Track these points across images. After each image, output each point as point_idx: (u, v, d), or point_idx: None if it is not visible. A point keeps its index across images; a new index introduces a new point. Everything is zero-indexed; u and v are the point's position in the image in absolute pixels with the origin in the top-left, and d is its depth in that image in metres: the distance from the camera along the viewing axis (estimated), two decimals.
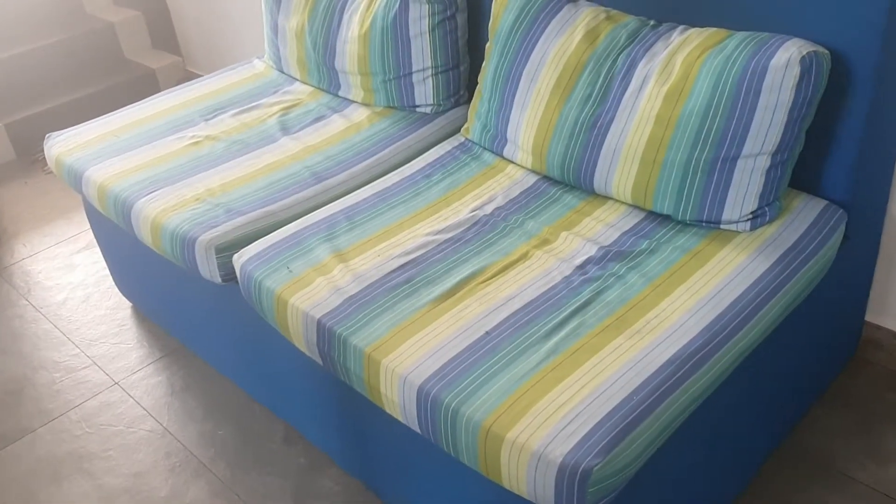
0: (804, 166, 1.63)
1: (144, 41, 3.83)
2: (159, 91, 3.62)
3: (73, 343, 2.27)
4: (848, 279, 1.74)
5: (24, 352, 2.25)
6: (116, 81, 3.59)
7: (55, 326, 2.34)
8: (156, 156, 2.02)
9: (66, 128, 2.69)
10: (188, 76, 3.76)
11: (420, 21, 2.04)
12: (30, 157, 3.28)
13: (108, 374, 2.16)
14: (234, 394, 2.06)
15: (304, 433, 1.88)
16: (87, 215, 2.29)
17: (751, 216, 1.55)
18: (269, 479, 1.83)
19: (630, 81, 1.63)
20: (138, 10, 3.77)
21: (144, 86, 3.65)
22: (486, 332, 1.38)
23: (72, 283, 2.52)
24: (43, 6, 3.61)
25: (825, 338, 1.77)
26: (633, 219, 1.64)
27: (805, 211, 1.59)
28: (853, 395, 1.90)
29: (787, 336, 1.55)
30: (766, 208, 1.56)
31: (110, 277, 2.52)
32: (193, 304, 2.02)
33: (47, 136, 2.17)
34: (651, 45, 1.65)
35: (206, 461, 1.88)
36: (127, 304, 2.42)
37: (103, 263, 2.59)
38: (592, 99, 1.67)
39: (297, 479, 1.82)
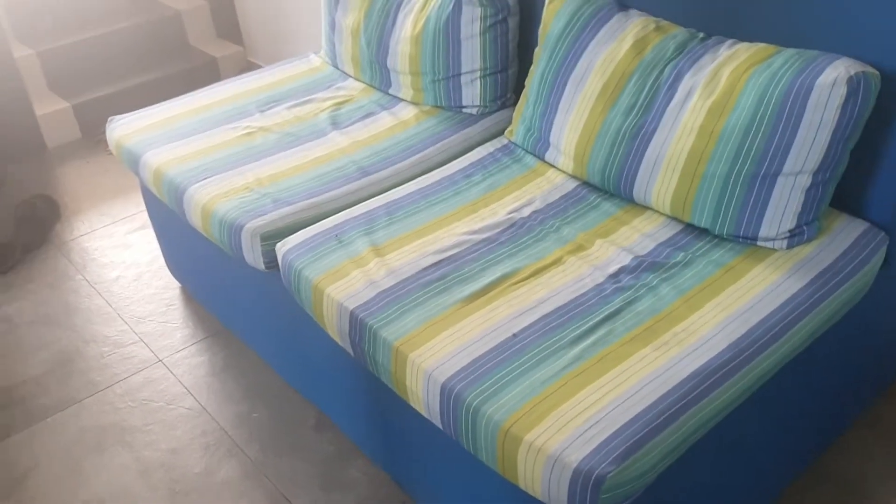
0: (847, 187, 1.61)
1: (209, 30, 3.93)
2: (220, 79, 3.72)
3: (123, 319, 2.36)
4: (887, 304, 1.71)
5: (77, 325, 2.35)
6: (180, 68, 3.69)
7: (107, 302, 2.43)
8: (211, 144, 2.08)
9: (129, 111, 2.78)
10: (249, 66, 3.85)
11: (472, 24, 2.07)
12: (94, 137, 3.40)
13: (153, 352, 2.23)
14: (272, 378, 2.12)
15: (336, 421, 1.93)
16: (144, 197, 2.37)
17: (788, 234, 1.54)
18: (298, 465, 1.88)
19: (675, 93, 1.64)
20: None
21: (206, 73, 3.75)
22: (514, 335, 1.41)
23: (125, 261, 2.62)
24: None
25: (860, 363, 1.75)
26: (671, 230, 1.64)
27: (845, 232, 1.57)
28: (888, 422, 1.87)
29: (818, 358, 1.54)
30: (805, 227, 1.55)
31: (162, 258, 2.61)
32: (238, 289, 2.08)
33: (110, 118, 2.25)
34: (698, 58, 1.65)
35: (240, 442, 1.94)
36: (176, 284, 2.50)
37: (156, 244, 2.68)
38: (637, 108, 1.68)
39: (324, 467, 1.87)
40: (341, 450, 1.91)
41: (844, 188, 1.61)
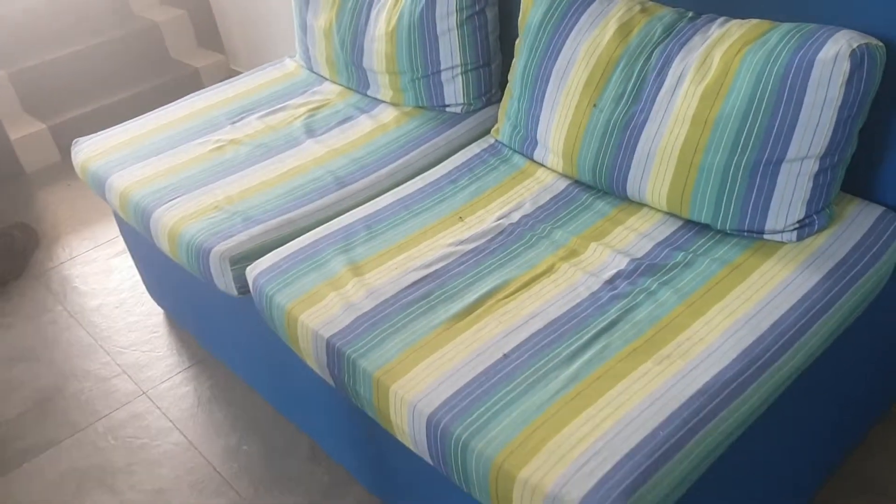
0: (858, 169, 1.48)
1: (190, 40, 3.82)
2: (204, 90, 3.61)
3: (105, 350, 2.26)
4: None
5: (56, 360, 2.24)
6: (162, 81, 3.58)
7: (88, 333, 2.33)
8: (178, 161, 1.97)
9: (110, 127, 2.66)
10: (231, 75, 3.74)
11: (447, 17, 1.95)
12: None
13: (136, 384, 2.13)
14: (261, 406, 2.01)
15: (328, 450, 1.82)
16: (117, 221, 2.26)
17: (797, 225, 1.42)
18: (291, 499, 1.77)
19: (665, 79, 1.51)
20: (183, 8, 3.76)
21: (189, 85, 3.64)
22: (505, 355, 1.29)
23: (107, 288, 2.51)
24: (89, 6, 3.63)
25: (882, 357, 1.62)
26: (669, 228, 1.52)
27: (859, 219, 1.45)
28: None
29: (837, 359, 1.41)
30: (815, 216, 1.42)
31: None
32: (218, 314, 1.97)
33: (75, 141, 2.14)
34: (688, 40, 1.52)
35: (229, 478, 1.84)
36: (159, 310, 2.39)
37: None
38: (625, 98, 1.56)
39: (319, 498, 1.76)
40: (336, 479, 1.80)
41: (855, 171, 1.49)
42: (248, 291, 1.65)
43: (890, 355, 1.66)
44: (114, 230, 2.79)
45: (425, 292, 1.44)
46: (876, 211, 1.46)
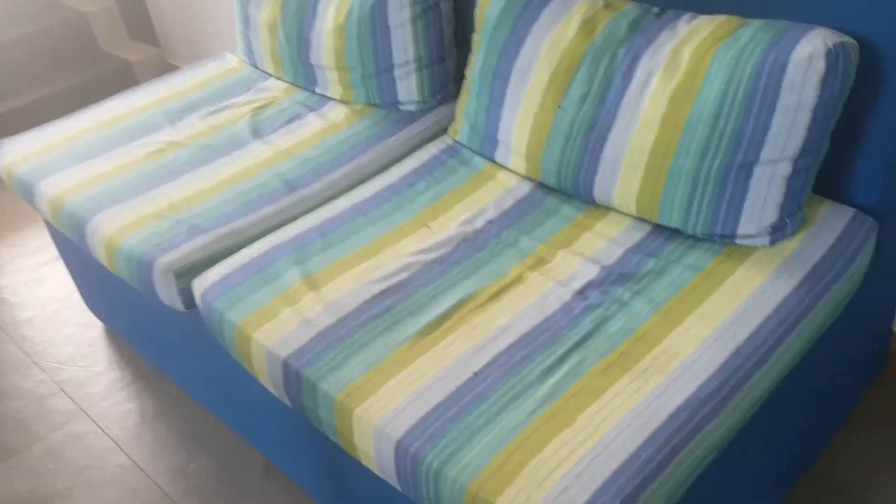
0: (830, 170, 1.45)
1: (120, 32, 3.64)
2: (137, 85, 3.44)
3: (40, 367, 2.12)
4: (877, 293, 1.57)
5: None
6: (92, 76, 3.40)
7: (20, 348, 2.18)
8: (115, 165, 1.85)
9: (38, 126, 2.49)
10: (168, 69, 3.58)
11: (401, 10, 1.86)
12: None
13: (75, 402, 2.00)
14: (210, 422, 1.91)
15: (282, 467, 1.73)
16: (48, 226, 2.12)
17: (770, 229, 1.38)
18: None
19: (632, 78, 1.45)
20: None
21: (122, 80, 3.46)
22: (475, 373, 1.22)
23: (39, 298, 2.36)
24: None
25: (852, 358, 1.61)
26: (639, 233, 1.47)
27: (831, 221, 1.42)
28: (881, 414, 1.74)
29: (811, 364, 1.38)
30: (788, 220, 1.38)
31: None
32: (162, 329, 1.86)
33: None
34: (655, 37, 1.47)
35: (177, 498, 1.73)
36: (97, 321, 2.26)
37: None
38: (590, 98, 1.50)
39: None
40: (291, 498, 1.71)
41: (826, 172, 1.45)
42: (196, 306, 1.55)
43: (855, 360, 1.65)
44: (44, 236, 2.64)
45: (388, 306, 1.36)
46: (847, 213, 1.43)
